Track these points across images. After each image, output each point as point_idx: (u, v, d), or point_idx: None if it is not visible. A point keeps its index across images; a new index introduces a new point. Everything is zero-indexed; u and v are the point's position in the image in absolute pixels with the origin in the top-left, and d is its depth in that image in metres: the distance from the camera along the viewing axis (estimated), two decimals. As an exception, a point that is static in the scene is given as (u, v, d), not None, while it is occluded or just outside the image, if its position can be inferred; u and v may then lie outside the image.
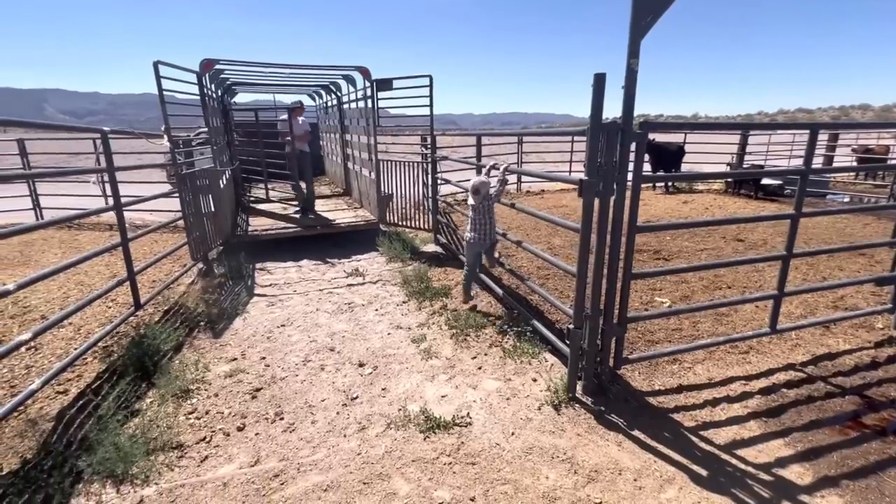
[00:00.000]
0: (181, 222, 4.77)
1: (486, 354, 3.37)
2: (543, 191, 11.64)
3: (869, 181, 11.32)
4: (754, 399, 2.79)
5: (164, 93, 4.44)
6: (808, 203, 8.51)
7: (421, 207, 7.03)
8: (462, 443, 2.43)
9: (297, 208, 7.52)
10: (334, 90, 8.89)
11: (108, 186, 5.10)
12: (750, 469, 2.24)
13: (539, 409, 2.71)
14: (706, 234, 6.54)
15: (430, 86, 6.02)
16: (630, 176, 2.60)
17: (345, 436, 2.51)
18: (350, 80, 7.54)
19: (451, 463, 2.29)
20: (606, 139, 2.45)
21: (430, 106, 6.12)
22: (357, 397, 2.87)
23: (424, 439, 2.46)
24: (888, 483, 2.15)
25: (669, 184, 10.96)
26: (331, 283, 5.01)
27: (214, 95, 6.71)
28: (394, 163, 6.80)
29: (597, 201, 2.54)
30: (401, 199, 6.93)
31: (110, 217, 5.71)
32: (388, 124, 7.25)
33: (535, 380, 3.01)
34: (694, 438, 2.46)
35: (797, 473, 2.21)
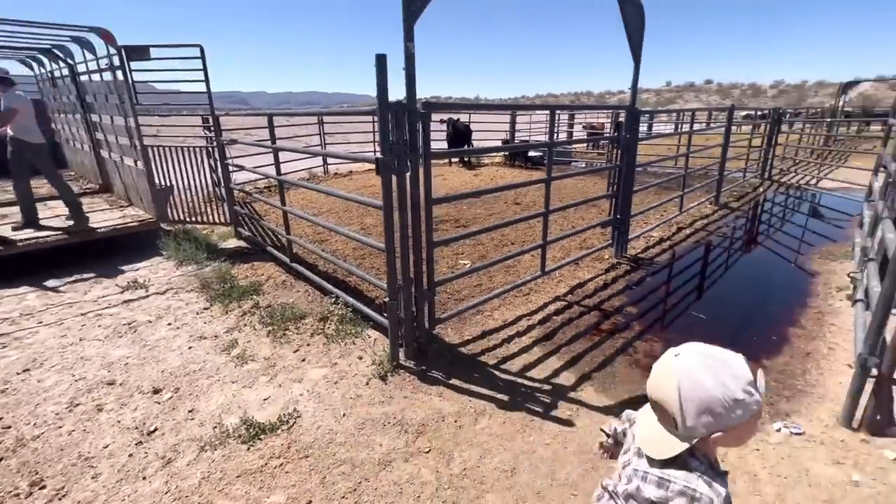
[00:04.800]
0: None
1: (308, 345, 3.27)
2: (351, 172, 11.59)
3: (595, 151, 14.96)
4: (536, 329, 3.48)
5: None
6: (559, 169, 10.72)
7: (214, 199, 6.16)
8: (292, 440, 2.34)
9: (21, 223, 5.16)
10: (63, 57, 6.82)
11: None
12: (536, 384, 2.81)
13: (367, 383, 2.80)
14: (493, 201, 7.64)
15: (203, 58, 5.21)
16: (421, 152, 2.83)
17: (144, 477, 2.11)
18: (86, 45, 5.90)
19: (282, 464, 2.18)
20: (395, 118, 2.59)
21: (206, 81, 5.32)
22: (156, 430, 2.43)
23: (249, 449, 2.27)
24: (618, 368, 3.00)
25: (467, 159, 12.27)
26: (98, 304, 4.00)
27: None
28: (169, 149, 5.72)
29: (395, 178, 2.69)
30: (185, 191, 5.92)
31: None
32: (153, 102, 6.02)
33: (360, 357, 3.08)
34: (497, 373, 2.94)
35: (566, 378, 2.88)
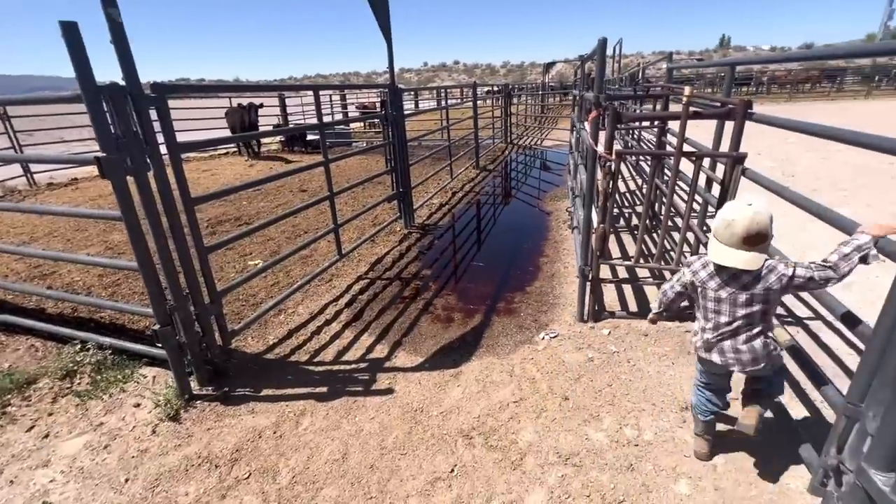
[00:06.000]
0: None
1: (51, 414, 2.47)
2: (76, 179, 8.98)
3: (373, 130, 15.41)
4: (344, 313, 3.48)
5: None
6: (339, 151, 10.65)
7: None
8: (50, 542, 1.77)
9: None
10: None
11: None
12: (353, 366, 2.84)
13: (154, 431, 2.31)
14: (277, 191, 7.10)
15: None
16: (164, 147, 2.36)
17: None
18: None
19: (39, 578, 1.64)
20: (114, 105, 2.07)
21: None
22: None
23: (-27, 586, 1.61)
24: (423, 327, 3.28)
25: (250, 147, 10.86)
26: None
27: None
28: None
29: (135, 180, 2.18)
30: None
31: None
32: None
33: (138, 405, 2.50)
34: (312, 367, 2.83)
35: (380, 351, 2.99)
